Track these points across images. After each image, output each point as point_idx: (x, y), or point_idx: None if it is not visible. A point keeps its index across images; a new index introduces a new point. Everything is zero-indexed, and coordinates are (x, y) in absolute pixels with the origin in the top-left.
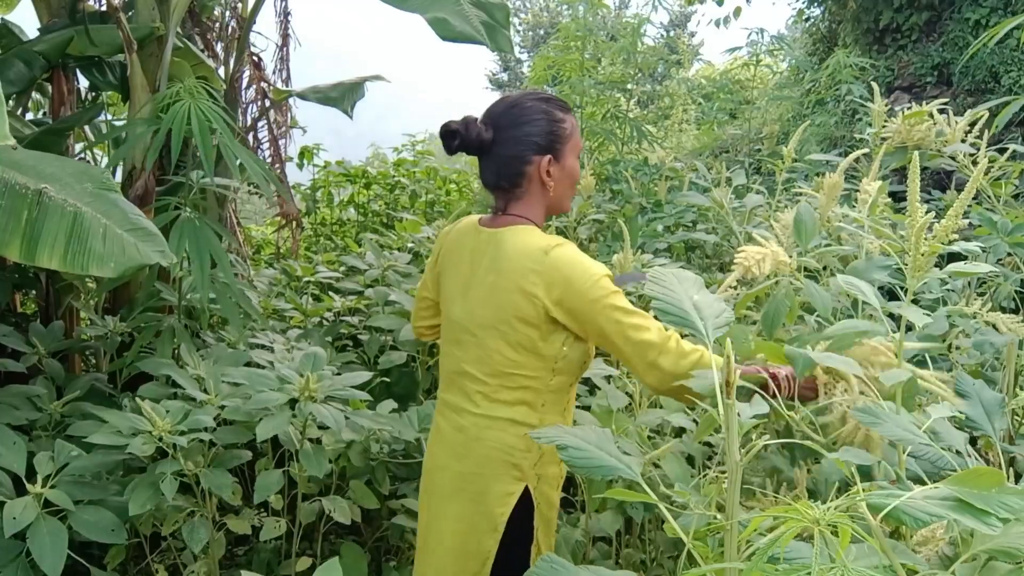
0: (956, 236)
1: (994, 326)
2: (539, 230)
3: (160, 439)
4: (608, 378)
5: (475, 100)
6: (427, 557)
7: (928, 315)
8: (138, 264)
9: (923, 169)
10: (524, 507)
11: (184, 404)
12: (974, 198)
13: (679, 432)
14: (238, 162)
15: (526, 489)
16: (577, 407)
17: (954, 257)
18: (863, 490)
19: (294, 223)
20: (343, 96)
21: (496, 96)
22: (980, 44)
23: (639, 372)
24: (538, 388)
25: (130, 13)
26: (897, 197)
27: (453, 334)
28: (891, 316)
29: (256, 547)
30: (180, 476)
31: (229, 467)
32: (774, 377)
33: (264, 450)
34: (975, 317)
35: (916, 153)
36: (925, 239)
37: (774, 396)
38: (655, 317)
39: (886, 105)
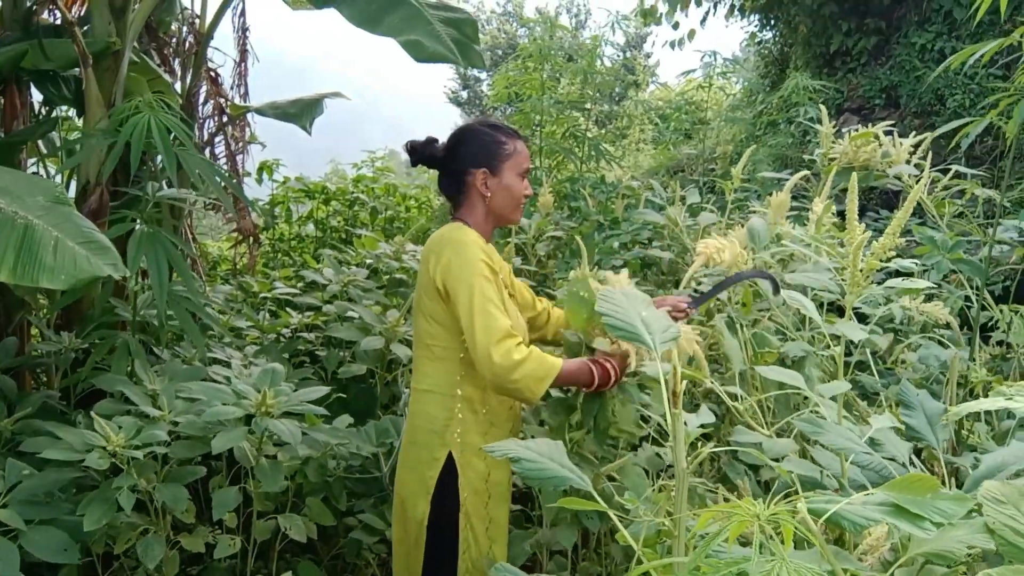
0: (894, 254)
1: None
2: (465, 227)
3: (114, 454)
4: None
5: (435, 117)
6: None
7: (864, 330)
8: (90, 276)
9: (871, 189)
10: (450, 473)
11: (137, 420)
12: (919, 218)
13: (634, 446)
14: (196, 174)
15: (450, 455)
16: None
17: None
18: (805, 497)
19: (251, 239)
20: (302, 112)
21: (455, 112)
22: (939, 72)
23: (478, 356)
24: (452, 359)
25: (86, 27)
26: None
27: None
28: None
29: (210, 565)
30: (134, 492)
31: (184, 483)
32: (599, 364)
33: (219, 468)
34: (905, 308)
35: (854, 173)
36: (863, 256)
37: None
38: (606, 331)
39: (835, 127)
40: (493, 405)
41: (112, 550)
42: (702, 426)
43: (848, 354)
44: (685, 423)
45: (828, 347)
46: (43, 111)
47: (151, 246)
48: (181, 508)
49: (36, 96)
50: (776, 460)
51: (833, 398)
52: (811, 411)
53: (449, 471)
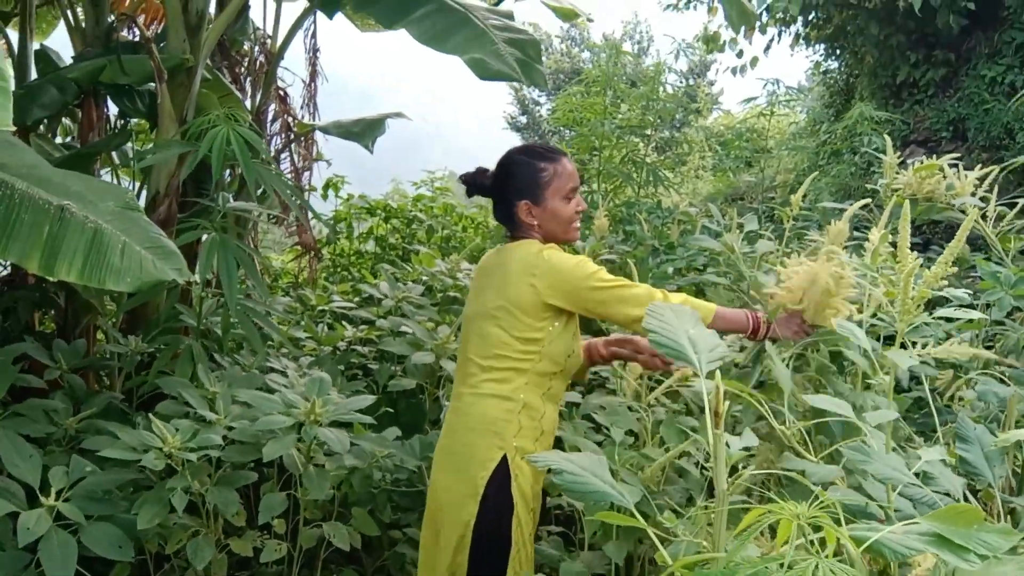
0: (946, 283)
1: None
2: (538, 242)
3: (170, 456)
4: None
5: (494, 141)
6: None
7: (914, 358)
8: (154, 280)
9: (935, 223)
10: (503, 474)
11: (193, 423)
12: (984, 253)
13: (680, 472)
14: (260, 190)
15: (504, 457)
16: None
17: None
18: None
19: (312, 252)
20: (364, 131)
21: (514, 137)
22: (1013, 105)
23: (626, 326)
24: (525, 369)
25: (162, 44)
26: (911, 248)
27: (464, 332)
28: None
29: (257, 570)
30: (187, 494)
31: (235, 487)
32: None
33: (269, 474)
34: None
35: (907, 202)
36: (914, 285)
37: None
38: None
39: (900, 158)
40: (548, 413)
41: (164, 550)
42: (745, 449)
43: (908, 390)
44: (727, 444)
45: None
46: (119, 124)
47: (222, 253)
48: (232, 511)
49: (112, 109)
50: (822, 488)
51: (880, 427)
52: (860, 440)
53: (503, 473)
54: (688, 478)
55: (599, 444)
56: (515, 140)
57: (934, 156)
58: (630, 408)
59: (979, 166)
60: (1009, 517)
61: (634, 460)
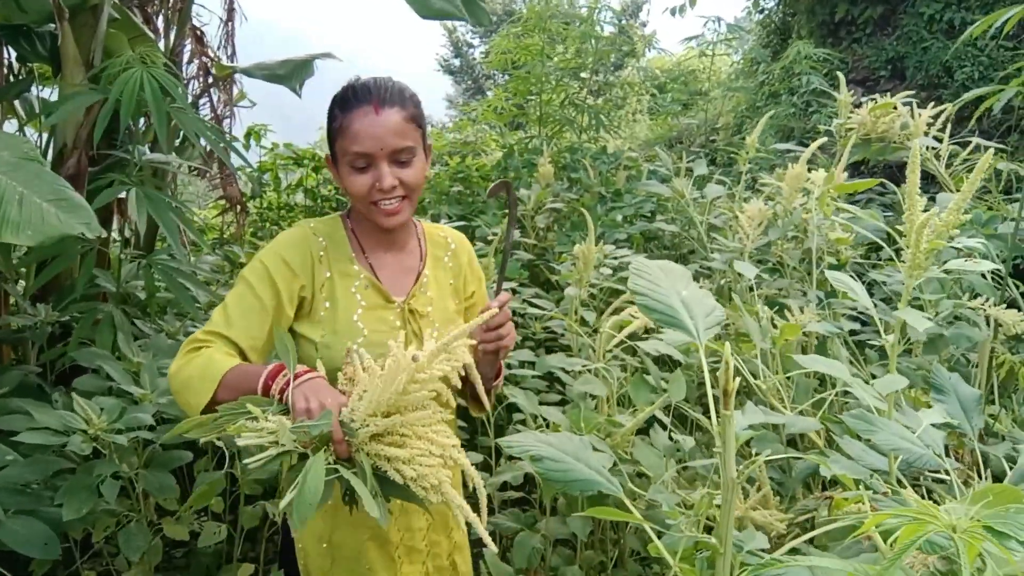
0: (958, 232)
1: (993, 320)
2: (327, 220)
3: (96, 438)
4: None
5: (426, 86)
6: None
7: (929, 319)
8: (59, 234)
9: (878, 163)
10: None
11: (119, 401)
12: (929, 192)
13: (645, 429)
14: (178, 140)
15: None
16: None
17: None
18: (854, 497)
19: (238, 207)
20: (291, 74)
21: (446, 81)
22: (960, 43)
23: None
24: None
25: None
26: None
27: None
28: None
29: (195, 550)
30: (116, 479)
31: (170, 468)
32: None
33: (204, 448)
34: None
35: (916, 143)
36: (925, 236)
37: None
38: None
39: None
40: None
41: (91, 537)
42: (750, 426)
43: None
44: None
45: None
46: (21, 70)
47: (153, 207)
48: (170, 496)
49: (12, 54)
50: (795, 439)
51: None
52: (861, 407)
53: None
54: (656, 441)
55: (558, 405)
56: (447, 84)
57: (874, 96)
58: (588, 368)
59: (920, 105)
60: (989, 469)
61: (600, 425)
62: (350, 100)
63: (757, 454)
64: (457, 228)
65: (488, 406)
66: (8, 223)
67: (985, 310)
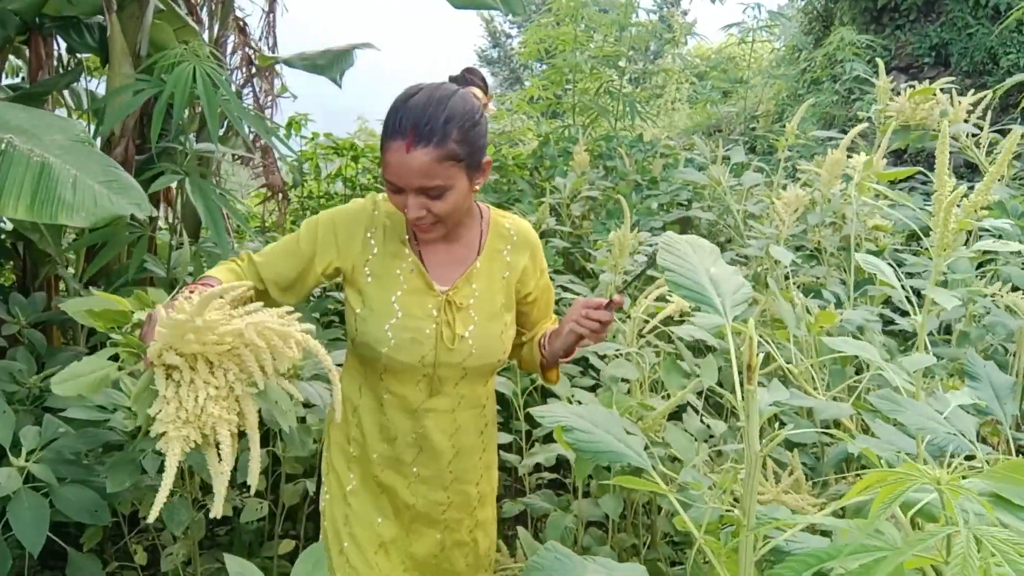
0: (986, 213)
1: (1009, 308)
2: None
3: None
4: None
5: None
6: None
7: (956, 296)
8: (111, 215)
9: (920, 151)
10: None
11: None
12: (972, 182)
13: (678, 415)
14: (223, 130)
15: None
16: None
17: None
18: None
19: (280, 195)
20: (331, 63)
21: (484, 72)
22: (1006, 27)
23: None
24: (349, 346)
25: None
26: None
27: None
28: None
29: (237, 527)
30: (159, 455)
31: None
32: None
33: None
34: (991, 297)
35: (945, 124)
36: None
37: None
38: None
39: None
40: (365, 419)
41: (138, 511)
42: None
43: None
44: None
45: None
46: (71, 62)
47: (201, 196)
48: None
49: (63, 46)
50: (829, 426)
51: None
52: (887, 387)
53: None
54: (688, 425)
55: (591, 390)
56: (484, 75)
57: (917, 83)
58: (620, 353)
59: (959, 91)
60: (1019, 456)
61: (632, 409)
62: (389, 127)
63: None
64: None
65: (554, 376)
66: (63, 205)
67: (1001, 295)
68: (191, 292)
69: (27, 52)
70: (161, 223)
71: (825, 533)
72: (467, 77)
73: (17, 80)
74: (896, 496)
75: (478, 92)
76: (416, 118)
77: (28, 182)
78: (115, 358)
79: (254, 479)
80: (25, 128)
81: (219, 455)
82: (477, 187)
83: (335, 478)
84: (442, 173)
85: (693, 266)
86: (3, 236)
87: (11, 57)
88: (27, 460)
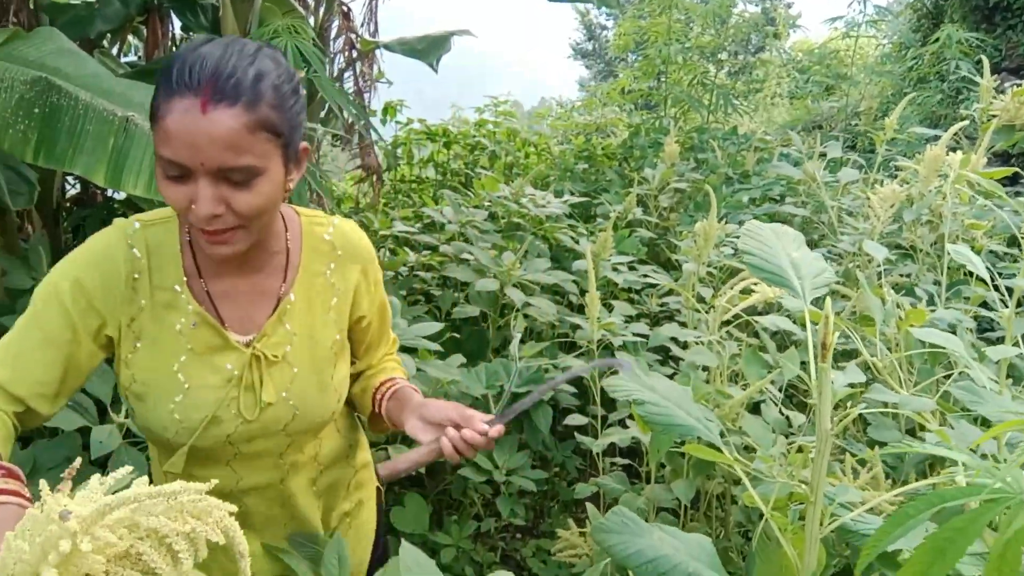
0: None
1: None
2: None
3: None
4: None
5: (558, 70)
6: None
7: None
8: None
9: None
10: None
11: None
12: None
13: (757, 408)
14: (323, 111)
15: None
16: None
17: None
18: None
19: (374, 176)
20: (429, 49)
21: (578, 65)
22: None
23: None
24: None
25: None
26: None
27: None
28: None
29: None
30: None
31: None
32: None
33: None
34: None
35: None
36: None
37: None
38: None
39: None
40: None
41: None
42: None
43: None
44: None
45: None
46: (183, 41)
47: None
48: None
49: (177, 25)
50: (914, 429)
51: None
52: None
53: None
54: (766, 416)
55: (670, 378)
56: (580, 67)
57: None
58: (702, 341)
59: None
60: None
61: (710, 396)
62: (172, 80)
63: (867, 432)
64: (579, 205)
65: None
66: None
67: None
68: None
69: (144, 31)
70: None
71: None
72: None
73: (133, 59)
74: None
75: None
76: (215, 68)
77: (147, 160)
78: None
79: None
80: (146, 105)
81: None
82: (291, 184)
83: None
84: (254, 148)
85: (774, 251)
86: (116, 205)
87: (130, 37)
88: (126, 417)
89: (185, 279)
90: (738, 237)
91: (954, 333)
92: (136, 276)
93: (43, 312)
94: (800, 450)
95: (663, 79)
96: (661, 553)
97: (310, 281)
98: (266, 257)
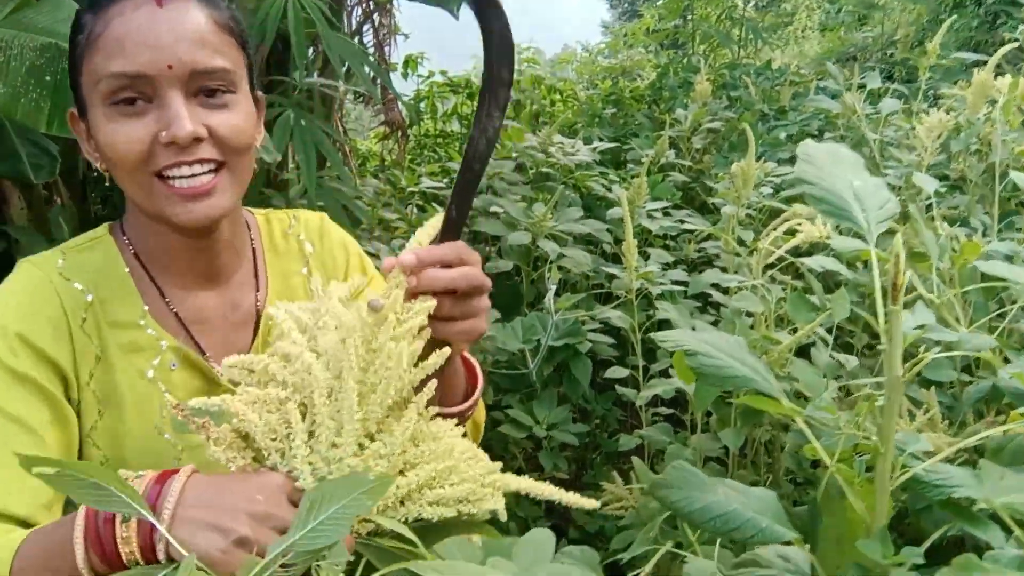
0: None
1: None
2: (86, 242)
3: None
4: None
5: (580, 13)
6: None
7: None
8: None
9: None
10: None
11: None
12: None
13: (806, 353)
14: (344, 67)
15: None
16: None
17: None
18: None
19: (399, 132)
20: None
21: (602, 7)
22: None
23: None
24: None
25: None
26: None
27: None
28: None
29: None
30: None
31: None
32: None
33: None
34: None
35: None
36: None
37: None
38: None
39: None
40: None
41: None
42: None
43: None
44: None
45: None
46: None
47: (299, 133)
48: None
49: None
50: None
51: None
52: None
53: None
54: (817, 360)
55: (713, 325)
56: (601, 11)
57: None
58: (745, 285)
59: None
60: None
61: (756, 342)
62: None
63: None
64: (609, 151)
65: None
66: None
67: None
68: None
69: None
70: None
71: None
72: None
73: None
74: None
75: None
76: None
77: None
78: None
79: None
80: None
81: None
82: (258, 139)
83: None
84: (224, 50)
85: (834, 180)
86: None
87: None
88: None
89: (146, 307)
90: (778, 176)
91: (1012, 263)
92: (84, 317)
93: (7, 405)
94: (848, 393)
95: (689, 16)
96: (730, 508)
97: (285, 284)
98: (235, 260)
